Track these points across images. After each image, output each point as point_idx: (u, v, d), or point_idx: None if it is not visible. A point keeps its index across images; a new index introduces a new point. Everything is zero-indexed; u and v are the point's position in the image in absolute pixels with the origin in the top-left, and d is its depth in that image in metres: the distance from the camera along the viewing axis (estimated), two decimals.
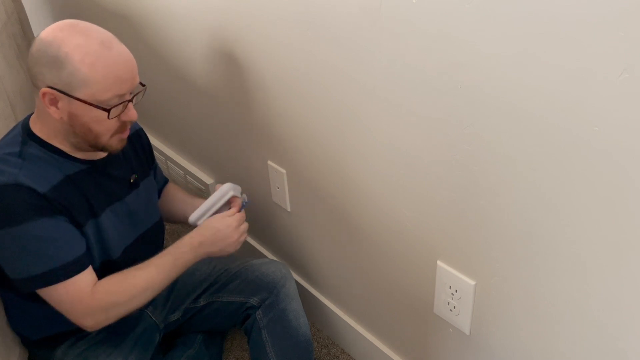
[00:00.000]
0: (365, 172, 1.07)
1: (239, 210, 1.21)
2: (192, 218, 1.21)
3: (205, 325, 1.34)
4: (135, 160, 1.22)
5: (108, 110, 0.99)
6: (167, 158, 1.90)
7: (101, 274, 1.11)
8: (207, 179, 1.73)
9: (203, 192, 1.76)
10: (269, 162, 1.34)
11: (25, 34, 1.93)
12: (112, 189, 1.14)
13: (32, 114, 1.08)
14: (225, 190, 1.21)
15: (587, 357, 0.83)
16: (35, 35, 2.01)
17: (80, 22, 1.00)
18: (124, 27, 1.71)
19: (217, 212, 1.21)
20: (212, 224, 1.16)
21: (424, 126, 0.89)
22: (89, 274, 1.05)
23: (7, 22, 1.76)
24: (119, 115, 1.02)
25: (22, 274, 1.01)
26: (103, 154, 1.12)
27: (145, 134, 1.30)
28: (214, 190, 1.23)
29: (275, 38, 1.10)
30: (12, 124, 1.60)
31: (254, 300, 1.25)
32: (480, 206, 0.87)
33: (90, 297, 1.04)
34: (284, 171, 1.31)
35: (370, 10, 0.87)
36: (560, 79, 0.68)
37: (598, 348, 0.81)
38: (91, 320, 1.06)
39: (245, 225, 1.20)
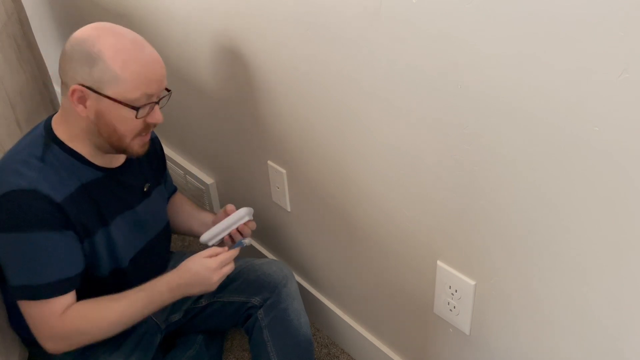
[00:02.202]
0: (365, 172, 1.07)
1: (230, 248, 1.16)
2: (203, 238, 1.21)
3: (206, 325, 1.34)
4: (148, 169, 1.22)
5: (137, 109, 0.99)
6: (167, 158, 1.90)
7: (111, 282, 1.12)
8: (207, 179, 1.73)
9: (203, 192, 1.76)
10: (269, 162, 1.34)
11: (25, 34, 1.93)
12: (124, 197, 1.14)
13: (53, 114, 1.08)
14: (241, 215, 1.20)
15: (586, 357, 0.83)
16: (35, 36, 2.01)
17: (114, 24, 1.02)
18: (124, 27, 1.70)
19: (229, 235, 1.21)
20: (192, 266, 1.10)
21: (424, 126, 0.89)
22: (68, 298, 1.04)
23: (7, 22, 1.76)
24: (144, 117, 1.02)
25: (9, 281, 1.02)
26: (120, 161, 1.13)
27: (159, 142, 1.30)
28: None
29: (275, 38, 1.10)
30: (12, 124, 1.60)
31: (255, 300, 1.25)
32: (480, 206, 0.87)
33: (58, 320, 1.03)
34: (284, 171, 1.31)
35: (370, 10, 0.87)
36: (560, 79, 0.68)
37: (597, 348, 0.81)
38: (52, 344, 1.06)
39: (228, 267, 1.12)
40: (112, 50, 0.96)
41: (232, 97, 1.36)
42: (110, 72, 0.96)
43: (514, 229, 0.84)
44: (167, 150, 1.91)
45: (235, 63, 1.27)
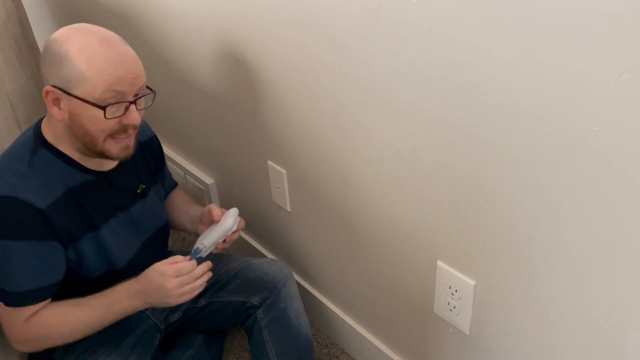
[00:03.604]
0: (365, 172, 1.07)
1: (191, 259, 1.10)
2: (200, 250, 1.17)
3: (206, 324, 1.34)
4: (144, 170, 1.21)
5: (103, 108, 0.96)
6: (167, 158, 1.90)
7: (106, 282, 1.11)
8: (207, 179, 1.73)
9: (203, 192, 1.76)
10: (269, 162, 1.34)
11: (25, 34, 1.93)
12: (117, 199, 1.13)
13: (44, 117, 1.07)
14: (229, 227, 1.15)
15: (586, 357, 0.83)
16: (35, 36, 2.01)
17: (90, 24, 1.00)
18: (125, 27, 1.71)
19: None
20: (148, 272, 1.07)
21: (424, 126, 0.89)
22: (39, 306, 1.04)
23: (7, 22, 1.76)
24: (119, 118, 0.99)
25: None
26: (113, 164, 1.11)
27: (158, 142, 1.28)
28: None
29: (275, 38, 1.10)
30: (12, 124, 1.60)
31: (254, 300, 1.25)
32: (480, 206, 0.87)
33: (22, 326, 1.04)
34: (284, 171, 1.31)
35: (371, 10, 0.87)
36: (561, 79, 0.68)
37: (597, 348, 0.81)
38: (19, 346, 1.08)
39: (185, 278, 1.06)
40: (78, 49, 0.94)
41: (232, 97, 1.36)
42: (76, 71, 0.94)
43: (514, 228, 0.84)
44: (167, 150, 1.91)
45: (235, 63, 1.27)
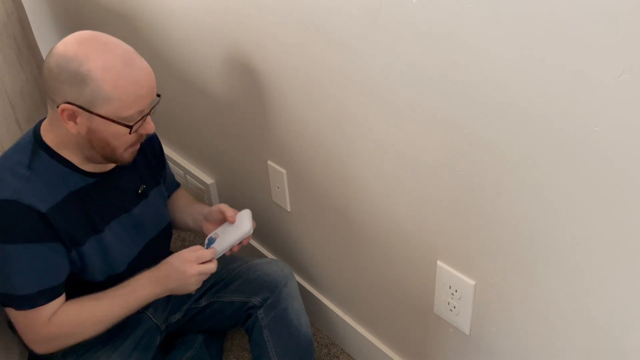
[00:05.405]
0: (365, 172, 1.07)
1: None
2: (213, 240, 1.21)
3: (206, 325, 1.33)
4: (146, 170, 1.21)
5: (130, 127, 1.00)
6: (167, 158, 1.90)
7: (108, 286, 1.11)
8: (207, 179, 1.73)
9: (203, 192, 1.76)
10: (269, 162, 1.34)
11: (25, 34, 1.93)
12: (118, 201, 1.13)
13: (44, 119, 1.07)
14: (247, 231, 1.18)
15: (586, 357, 0.83)
16: (35, 36, 2.01)
17: (98, 35, 0.98)
18: (125, 27, 1.71)
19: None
20: (170, 259, 1.14)
21: (424, 126, 0.89)
22: (52, 305, 1.04)
23: (7, 22, 1.76)
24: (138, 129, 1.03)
25: None
26: (112, 166, 1.12)
27: (158, 140, 1.29)
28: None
29: (275, 38, 1.10)
30: (13, 124, 1.60)
31: (255, 300, 1.25)
32: (480, 206, 0.87)
33: (43, 327, 1.04)
34: (284, 171, 1.31)
35: (371, 10, 0.87)
36: (561, 79, 0.68)
37: (597, 348, 0.81)
38: (38, 347, 1.08)
39: (205, 267, 1.12)
40: (102, 70, 0.94)
41: (232, 97, 1.36)
42: (101, 92, 0.95)
43: (513, 228, 0.84)
44: (167, 150, 1.91)
45: (235, 63, 1.27)
